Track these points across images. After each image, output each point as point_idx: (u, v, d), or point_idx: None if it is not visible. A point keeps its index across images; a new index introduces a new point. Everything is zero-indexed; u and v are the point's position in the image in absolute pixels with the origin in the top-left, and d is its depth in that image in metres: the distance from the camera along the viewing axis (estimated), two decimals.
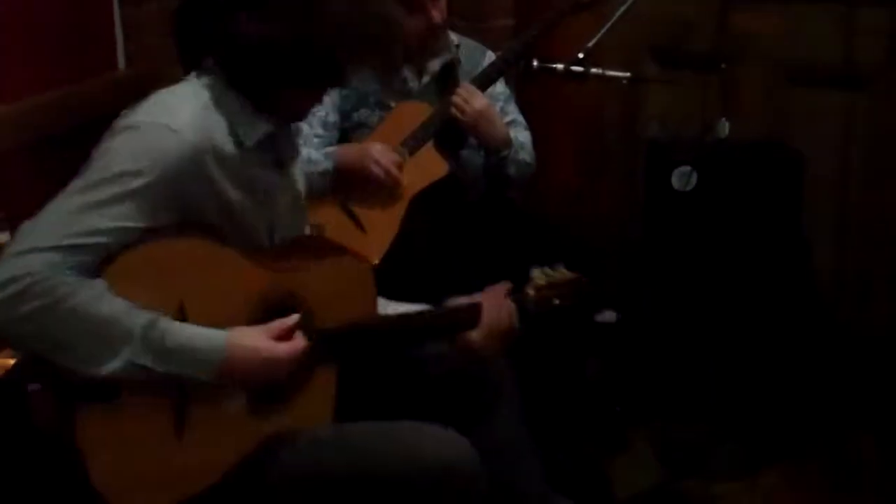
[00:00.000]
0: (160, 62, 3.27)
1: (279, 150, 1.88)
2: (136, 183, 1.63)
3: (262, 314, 1.76)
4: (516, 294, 2.07)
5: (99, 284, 1.62)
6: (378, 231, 2.67)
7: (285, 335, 1.75)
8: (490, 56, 2.91)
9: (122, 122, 1.73)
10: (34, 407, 1.72)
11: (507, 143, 2.75)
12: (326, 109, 2.79)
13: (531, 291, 2.08)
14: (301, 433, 1.81)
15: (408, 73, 2.85)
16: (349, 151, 2.70)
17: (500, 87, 2.85)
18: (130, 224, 1.64)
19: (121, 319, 1.61)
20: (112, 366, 1.61)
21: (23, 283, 1.56)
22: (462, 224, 2.81)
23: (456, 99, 2.69)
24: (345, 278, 1.86)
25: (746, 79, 3.16)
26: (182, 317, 1.68)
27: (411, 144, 2.73)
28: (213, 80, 1.77)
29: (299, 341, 1.76)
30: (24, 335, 1.60)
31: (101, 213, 1.62)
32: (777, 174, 2.88)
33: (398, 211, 2.68)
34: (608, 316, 3.32)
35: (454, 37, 2.90)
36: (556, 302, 2.10)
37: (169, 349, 1.64)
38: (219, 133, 1.72)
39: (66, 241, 1.60)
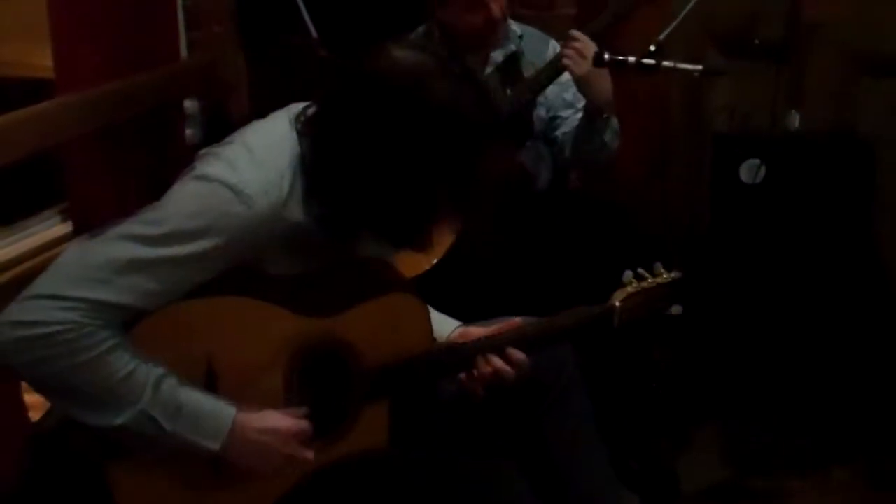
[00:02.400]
0: (222, 51, 3.29)
1: None
2: (200, 245, 1.60)
3: (301, 362, 1.73)
4: (598, 305, 1.93)
5: (119, 337, 1.58)
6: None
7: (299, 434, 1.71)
8: (554, 46, 2.88)
9: (201, 166, 1.67)
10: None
11: (611, 105, 2.62)
12: None
13: (617, 303, 1.93)
14: (352, 464, 1.78)
15: (471, 62, 2.81)
16: None
17: (565, 76, 2.81)
18: (179, 289, 1.61)
19: (136, 372, 1.58)
20: (123, 418, 1.58)
21: (51, 328, 1.53)
22: (530, 215, 2.77)
23: (568, 51, 2.56)
24: (393, 314, 1.80)
25: (816, 69, 3.09)
26: (212, 377, 1.65)
27: None
28: (304, 141, 1.69)
29: (307, 452, 1.71)
30: (39, 377, 1.57)
31: (154, 274, 1.58)
32: (847, 166, 2.83)
33: None
34: (674, 308, 3.29)
35: (517, 28, 2.88)
36: (646, 311, 1.96)
37: (179, 404, 1.61)
38: (295, 192, 1.67)
39: (105, 297, 1.55)
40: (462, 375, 1.88)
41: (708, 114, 3.30)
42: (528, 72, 2.80)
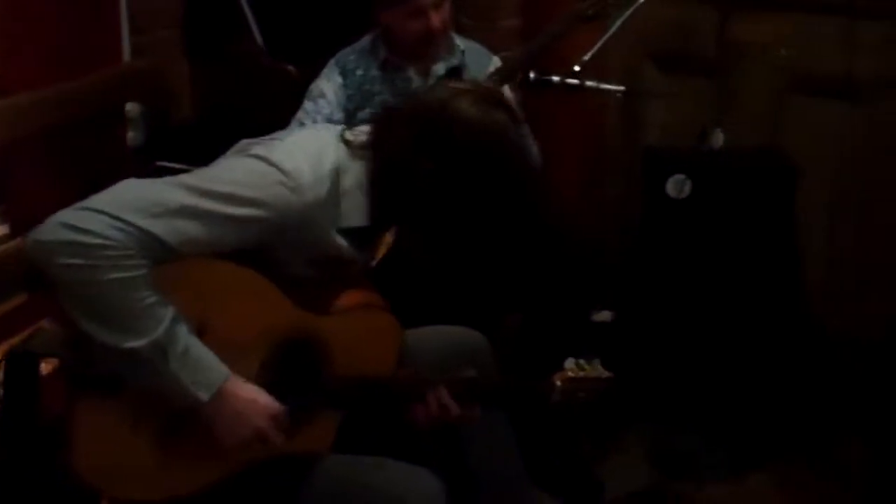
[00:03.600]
0: (166, 55, 3.32)
1: None
2: (249, 212, 1.70)
3: (275, 352, 1.80)
4: (541, 381, 2.06)
5: (150, 269, 1.65)
6: None
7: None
8: (496, 61, 2.93)
9: (257, 149, 1.79)
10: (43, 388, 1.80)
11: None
12: (331, 107, 2.83)
13: (558, 382, 2.05)
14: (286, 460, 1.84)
15: (413, 74, 2.88)
16: None
17: (505, 92, 2.88)
18: (218, 245, 1.70)
19: (157, 304, 1.65)
20: (137, 342, 1.64)
21: (100, 240, 1.60)
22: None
23: None
24: (372, 329, 1.88)
25: (745, 87, 3.18)
26: (200, 337, 1.71)
27: None
28: (357, 154, 1.83)
29: (278, 436, 1.78)
30: (70, 282, 1.63)
31: (201, 224, 1.68)
32: (771, 183, 2.91)
33: None
34: (605, 315, 3.38)
35: (460, 42, 2.93)
36: (581, 396, 2.08)
37: (187, 347, 1.68)
38: (328, 206, 1.78)
39: (154, 230, 1.64)
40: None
41: (642, 130, 3.38)
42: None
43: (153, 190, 1.69)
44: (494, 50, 3.01)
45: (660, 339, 3.01)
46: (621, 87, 2.28)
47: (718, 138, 2.87)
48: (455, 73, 2.88)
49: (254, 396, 1.75)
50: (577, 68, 2.29)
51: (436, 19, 2.74)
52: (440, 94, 1.83)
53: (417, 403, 1.92)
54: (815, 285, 3.12)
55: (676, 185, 2.82)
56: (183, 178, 1.73)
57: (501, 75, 2.78)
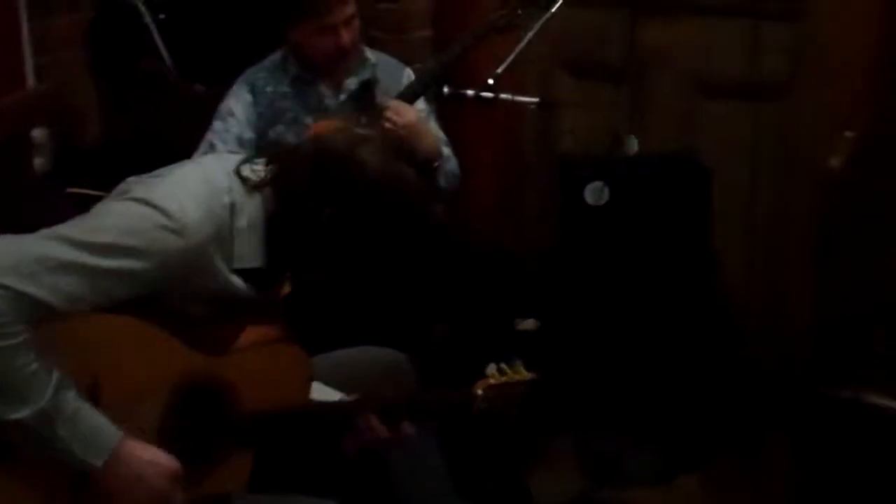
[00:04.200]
0: (71, 77, 3.24)
1: None
2: (131, 263, 1.63)
3: (176, 399, 1.74)
4: (463, 391, 2.02)
5: (29, 333, 1.58)
6: None
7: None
8: (408, 73, 2.92)
9: (140, 189, 1.71)
10: None
11: (438, 153, 2.74)
12: (241, 126, 2.79)
13: (479, 391, 2.01)
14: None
15: (324, 89, 2.85)
16: None
17: (420, 104, 2.87)
18: (101, 300, 1.63)
19: (40, 371, 1.58)
20: (22, 413, 1.58)
21: None
22: None
23: (387, 114, 2.66)
24: (278, 362, 1.83)
25: (657, 91, 3.21)
26: (94, 396, 1.66)
27: None
28: (255, 193, 1.76)
29: (178, 495, 1.72)
30: None
31: (82, 279, 1.60)
32: (685, 187, 2.94)
33: None
34: (529, 324, 3.38)
35: (371, 55, 2.91)
36: (505, 401, 2.05)
37: (75, 413, 1.61)
38: (218, 245, 1.72)
39: (31, 291, 1.56)
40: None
41: (557, 136, 3.40)
42: (382, 100, 2.83)
43: (28, 247, 1.60)
44: (407, 62, 3.01)
45: (584, 345, 3.02)
46: (535, 99, 2.29)
47: (633, 144, 2.90)
48: (367, 87, 2.87)
49: (152, 457, 1.69)
50: (491, 81, 2.28)
51: (345, 36, 2.72)
52: (344, 139, 1.77)
53: (347, 432, 1.89)
54: (733, 286, 3.15)
55: (594, 193, 2.84)
56: (60, 229, 1.65)
57: (416, 89, 2.78)
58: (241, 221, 1.74)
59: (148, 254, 1.64)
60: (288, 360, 1.84)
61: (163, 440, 1.74)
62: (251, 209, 1.75)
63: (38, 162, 3.24)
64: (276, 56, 2.90)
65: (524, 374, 2.08)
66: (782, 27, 3.01)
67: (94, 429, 1.63)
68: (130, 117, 3.26)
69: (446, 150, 2.84)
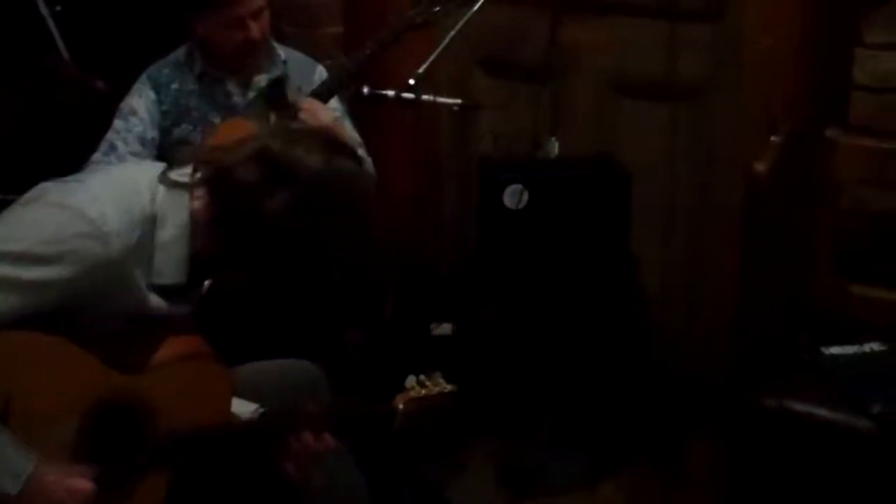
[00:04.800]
0: None
1: None
2: (46, 273, 1.55)
3: (90, 419, 1.67)
4: (385, 406, 1.99)
5: None
6: None
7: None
8: (320, 71, 2.83)
9: (55, 191, 1.62)
10: None
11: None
12: (144, 125, 2.68)
13: (400, 405, 1.98)
14: None
15: (232, 87, 2.75)
16: None
17: (333, 103, 2.77)
18: (16, 313, 1.54)
19: None
20: None
21: None
22: None
23: (301, 115, 2.57)
24: (197, 380, 1.77)
25: (576, 92, 3.17)
26: (5, 414, 1.57)
27: None
28: (180, 204, 1.67)
29: None
30: None
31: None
32: (605, 190, 2.90)
33: None
34: (445, 328, 3.32)
35: (282, 51, 2.82)
36: (425, 416, 2.02)
37: None
38: (137, 253, 1.64)
39: None
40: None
41: (476, 137, 3.33)
42: (293, 96, 2.73)
43: None
44: (316, 58, 2.91)
45: (501, 351, 2.99)
46: (458, 101, 2.22)
47: (553, 147, 2.85)
48: (278, 83, 2.76)
49: (69, 483, 1.61)
50: (412, 81, 2.20)
51: (254, 29, 2.62)
52: (282, 136, 1.71)
53: (281, 448, 1.83)
54: (653, 290, 3.13)
55: (513, 196, 2.78)
56: None
57: (330, 87, 2.69)
58: (164, 234, 1.66)
59: (67, 262, 1.56)
60: (208, 376, 1.79)
61: (77, 462, 1.67)
62: (176, 220, 1.67)
63: None
64: (181, 51, 2.79)
65: (444, 387, 2.06)
66: (701, 27, 2.99)
67: (4, 457, 1.55)
68: (27, 114, 3.10)
69: (360, 152, 2.75)
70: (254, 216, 1.64)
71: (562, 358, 2.92)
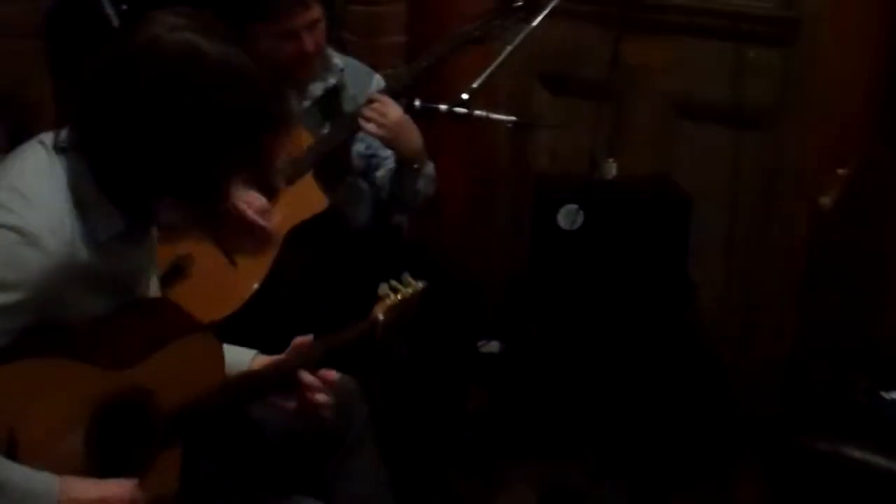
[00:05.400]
0: (24, 69, 3.09)
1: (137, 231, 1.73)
2: (10, 297, 1.52)
3: (96, 423, 1.65)
4: (366, 320, 1.95)
5: None
6: (249, 266, 2.54)
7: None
8: (378, 80, 2.79)
9: None
10: None
11: (424, 154, 2.62)
12: None
13: (380, 315, 1.95)
14: None
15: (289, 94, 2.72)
16: None
17: None
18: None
19: None
20: None
21: None
22: (343, 257, 2.69)
23: (370, 113, 2.54)
24: (188, 356, 1.75)
25: (637, 113, 3.10)
26: (12, 446, 1.55)
27: (290, 173, 2.59)
28: (73, 160, 1.60)
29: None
30: None
31: None
32: (663, 214, 2.83)
33: (272, 246, 2.55)
34: (493, 346, 3.27)
35: (339, 60, 2.78)
36: (403, 319, 2.00)
37: (3, 481, 1.50)
38: (76, 232, 1.59)
39: None
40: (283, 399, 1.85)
41: (533, 154, 3.27)
42: (349, 106, 2.71)
43: None
44: (378, 67, 2.88)
45: (550, 371, 2.92)
46: (512, 118, 2.16)
47: (611, 168, 2.78)
48: (333, 92, 2.74)
49: (100, 493, 1.59)
50: (465, 96, 2.14)
51: (309, 42, 2.58)
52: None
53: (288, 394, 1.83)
54: (708, 318, 3.04)
55: (568, 216, 2.72)
56: None
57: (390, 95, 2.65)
58: (86, 195, 1.61)
59: (12, 283, 1.53)
60: (197, 349, 1.76)
61: (95, 470, 1.65)
62: (81, 175, 1.61)
63: None
64: None
65: (416, 286, 2.03)
66: (770, 51, 2.91)
67: (29, 491, 1.53)
68: None
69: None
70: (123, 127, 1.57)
71: (611, 382, 2.85)
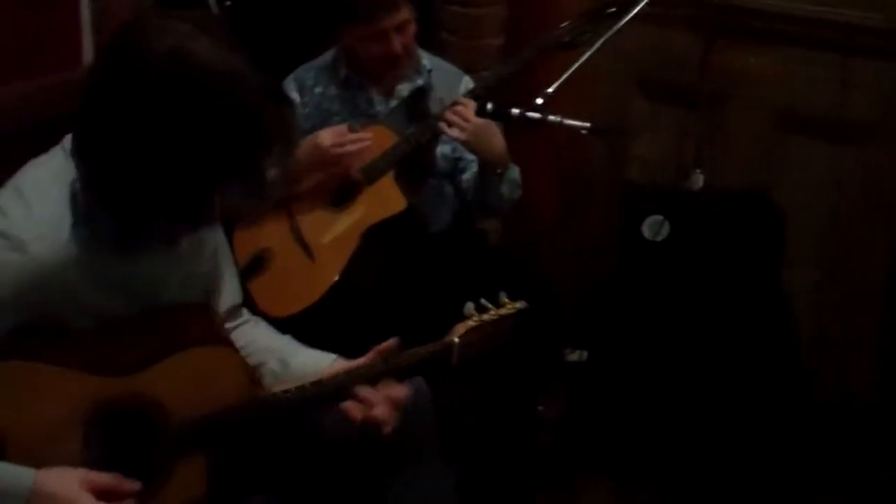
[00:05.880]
0: None
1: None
2: None
3: (99, 424, 1.65)
4: (440, 342, 1.82)
5: None
6: (326, 262, 2.55)
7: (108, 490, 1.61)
8: (466, 82, 2.78)
9: None
10: None
11: (506, 159, 2.61)
12: None
13: (456, 339, 1.81)
14: None
15: (375, 94, 2.73)
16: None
17: None
18: None
19: None
20: None
21: None
22: (420, 259, 2.66)
23: (451, 116, 2.52)
24: (202, 367, 1.71)
25: (733, 123, 3.00)
26: (1, 443, 1.57)
27: (371, 172, 2.59)
28: (76, 164, 1.60)
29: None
30: None
31: None
32: (754, 229, 2.73)
33: (349, 243, 2.55)
34: (578, 355, 3.21)
35: (428, 61, 2.77)
36: (489, 342, 1.84)
37: None
38: (77, 236, 1.59)
39: None
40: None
41: (626, 162, 3.20)
42: (436, 107, 2.69)
43: None
44: (475, 68, 2.85)
45: (632, 385, 2.83)
46: (587, 124, 2.09)
47: (698, 180, 2.69)
48: (420, 94, 2.73)
49: (75, 496, 1.57)
50: (539, 101, 2.10)
51: (397, 43, 2.58)
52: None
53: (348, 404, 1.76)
54: (800, 338, 2.92)
55: (653, 227, 2.65)
56: None
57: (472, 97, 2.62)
58: (83, 197, 1.60)
59: (3, 283, 1.54)
60: (213, 361, 1.72)
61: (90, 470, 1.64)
62: (81, 180, 1.60)
63: None
64: (328, 55, 2.78)
65: (509, 307, 1.87)
66: (876, 63, 2.77)
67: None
68: None
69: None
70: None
71: (694, 400, 2.76)
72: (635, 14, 2.29)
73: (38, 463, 1.58)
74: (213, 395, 1.70)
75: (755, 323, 2.77)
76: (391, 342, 1.82)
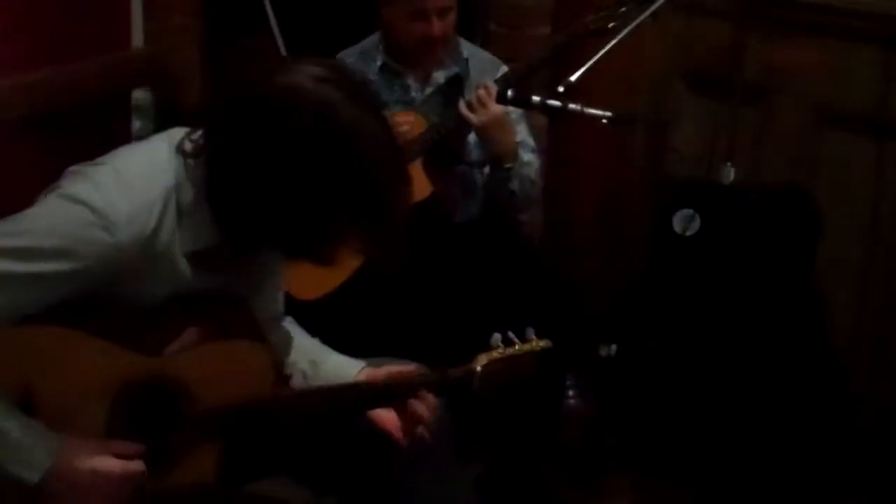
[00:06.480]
0: (176, 42, 3.22)
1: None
2: (55, 266, 1.55)
3: (127, 399, 1.67)
4: (462, 368, 1.84)
5: None
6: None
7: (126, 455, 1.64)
8: (503, 71, 2.76)
9: (67, 184, 1.60)
10: None
11: (514, 154, 2.62)
12: None
13: (478, 367, 1.83)
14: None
15: (411, 81, 2.74)
16: None
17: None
18: (25, 306, 1.56)
19: None
20: None
21: None
22: (442, 247, 2.67)
23: (474, 99, 2.54)
24: (235, 358, 1.73)
25: (773, 117, 2.94)
26: (29, 407, 1.59)
27: None
28: (194, 165, 1.61)
29: (135, 465, 1.65)
30: None
31: (7, 288, 1.54)
32: (790, 228, 2.68)
33: None
34: (611, 350, 3.18)
35: (465, 49, 2.78)
36: (512, 376, 1.86)
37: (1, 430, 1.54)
38: (164, 233, 1.61)
39: None
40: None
41: (665, 154, 3.17)
42: (472, 96, 2.69)
43: None
44: (521, 58, 2.84)
45: (658, 380, 2.81)
46: (608, 113, 2.08)
47: (729, 174, 2.65)
48: (456, 81, 2.75)
49: (96, 466, 1.59)
50: (561, 89, 2.09)
51: (437, 26, 2.60)
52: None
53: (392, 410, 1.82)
54: (836, 337, 2.86)
55: (683, 221, 2.62)
56: None
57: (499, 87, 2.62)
58: (186, 200, 1.62)
59: (76, 254, 1.55)
60: (245, 355, 1.73)
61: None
62: (195, 185, 1.61)
63: (138, 125, 3.24)
64: (369, 40, 2.80)
65: (535, 344, 1.89)
66: None
67: (24, 445, 1.56)
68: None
69: (528, 157, 2.68)
70: (241, 178, 1.55)
71: (724, 398, 2.72)
72: (677, 3, 2.27)
73: (61, 428, 1.61)
74: (241, 388, 1.72)
75: (786, 321, 2.72)
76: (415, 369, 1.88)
